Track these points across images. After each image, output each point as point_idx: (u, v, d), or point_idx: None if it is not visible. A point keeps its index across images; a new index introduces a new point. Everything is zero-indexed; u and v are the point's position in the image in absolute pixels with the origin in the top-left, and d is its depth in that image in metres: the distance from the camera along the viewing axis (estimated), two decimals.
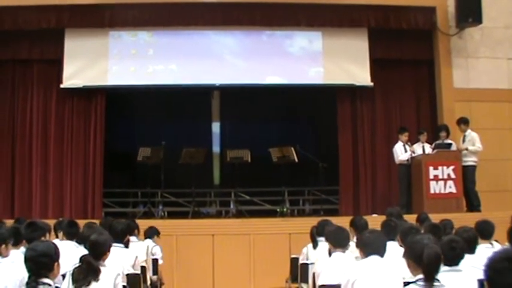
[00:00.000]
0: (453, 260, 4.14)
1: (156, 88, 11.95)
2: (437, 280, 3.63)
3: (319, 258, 5.86)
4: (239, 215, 11.16)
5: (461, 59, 11.97)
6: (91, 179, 11.59)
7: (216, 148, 13.17)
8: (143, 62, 11.78)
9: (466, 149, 10.71)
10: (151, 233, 8.15)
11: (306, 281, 6.35)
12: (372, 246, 4.56)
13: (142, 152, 11.07)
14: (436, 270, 3.66)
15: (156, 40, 11.89)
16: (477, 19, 11.61)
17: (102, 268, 4.32)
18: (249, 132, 13.23)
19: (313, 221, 7.42)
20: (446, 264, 4.11)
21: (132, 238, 7.18)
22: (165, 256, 8.62)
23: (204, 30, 11.94)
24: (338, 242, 5.37)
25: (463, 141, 10.88)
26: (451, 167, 10.41)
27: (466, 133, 10.89)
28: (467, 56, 11.99)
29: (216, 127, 13.32)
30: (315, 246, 6.63)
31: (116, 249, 5.80)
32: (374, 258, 4.50)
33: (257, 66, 11.95)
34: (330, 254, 5.60)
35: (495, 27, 11.95)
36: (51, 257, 3.72)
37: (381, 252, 4.55)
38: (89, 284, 4.01)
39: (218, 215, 12.29)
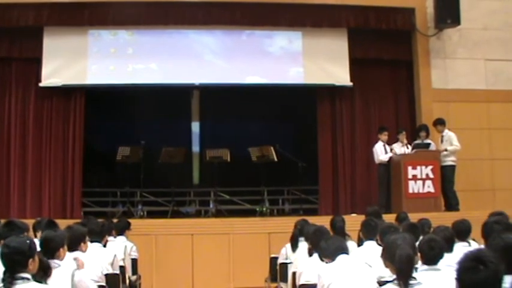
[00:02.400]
0: (432, 260, 4.17)
1: (135, 87, 11.87)
2: (414, 278, 3.65)
3: (299, 258, 5.87)
4: (218, 214, 11.13)
5: (440, 60, 12.07)
6: (70, 179, 11.47)
7: (195, 147, 13.13)
8: (123, 61, 11.71)
9: (445, 150, 10.78)
10: (123, 227, 7.99)
11: (285, 281, 6.37)
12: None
13: (121, 151, 10.99)
14: (408, 271, 3.66)
15: (136, 39, 11.82)
16: (455, 20, 11.72)
17: (55, 269, 4.21)
18: (228, 132, 13.17)
19: (293, 220, 7.45)
20: (425, 264, 4.15)
21: (110, 238, 7.15)
22: (144, 256, 8.59)
23: (184, 29, 11.90)
24: (318, 242, 5.37)
25: (441, 141, 10.96)
26: (430, 167, 10.47)
27: (444, 133, 10.98)
28: (445, 57, 12.09)
29: (195, 126, 13.26)
30: (294, 249, 6.61)
31: (95, 248, 5.79)
32: (342, 258, 4.55)
33: (237, 65, 11.93)
34: (310, 254, 5.61)
35: (473, 29, 12.06)
36: (24, 253, 3.68)
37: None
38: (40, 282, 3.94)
39: (197, 214, 12.21)
